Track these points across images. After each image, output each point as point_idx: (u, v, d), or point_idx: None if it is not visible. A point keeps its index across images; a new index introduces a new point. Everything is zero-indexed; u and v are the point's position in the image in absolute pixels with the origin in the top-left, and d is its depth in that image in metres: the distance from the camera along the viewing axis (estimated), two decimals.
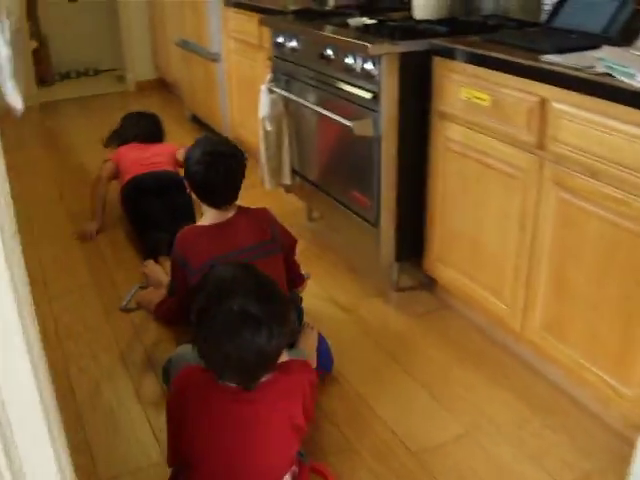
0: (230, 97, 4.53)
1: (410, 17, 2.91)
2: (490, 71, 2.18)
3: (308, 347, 2.16)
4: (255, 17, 3.77)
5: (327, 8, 3.45)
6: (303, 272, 2.54)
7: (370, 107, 2.57)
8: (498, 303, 2.38)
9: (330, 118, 2.74)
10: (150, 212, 3.14)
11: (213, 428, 1.47)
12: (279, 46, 3.26)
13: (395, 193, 2.67)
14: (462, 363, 2.44)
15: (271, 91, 3.20)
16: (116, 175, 3.52)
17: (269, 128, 3.25)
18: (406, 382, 2.35)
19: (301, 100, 2.99)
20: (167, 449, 1.61)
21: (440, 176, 2.56)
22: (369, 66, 2.53)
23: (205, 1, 4.47)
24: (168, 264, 2.43)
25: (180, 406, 1.52)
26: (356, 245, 2.98)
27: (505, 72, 2.12)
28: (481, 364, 2.43)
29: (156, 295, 2.59)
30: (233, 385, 1.48)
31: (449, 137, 2.46)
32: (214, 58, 4.55)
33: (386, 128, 2.55)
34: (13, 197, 0.98)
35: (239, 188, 2.18)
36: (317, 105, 2.90)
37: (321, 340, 2.27)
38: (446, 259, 2.63)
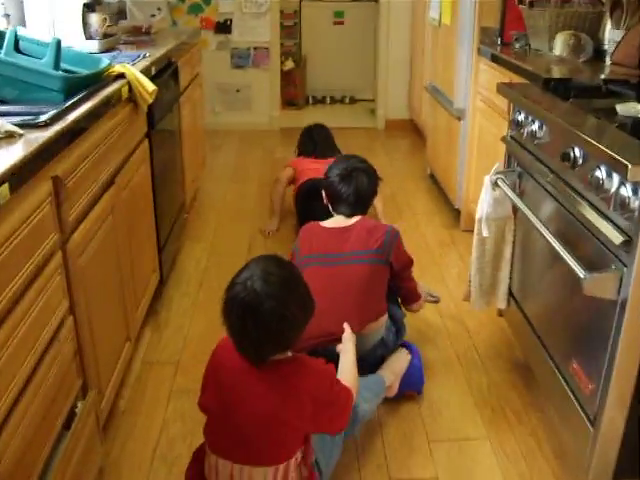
0: (469, 165, 3.75)
1: None
2: None
3: (395, 369, 2.26)
4: (507, 76, 2.95)
5: (596, 81, 2.52)
6: (427, 292, 2.67)
7: (617, 255, 1.68)
8: None
9: (559, 253, 1.87)
10: (317, 213, 2.87)
11: (222, 390, 1.63)
12: (518, 125, 2.44)
13: (633, 386, 1.73)
14: None
15: (496, 185, 2.37)
16: (293, 180, 3.84)
17: (486, 234, 2.44)
18: None
19: (527, 212, 2.14)
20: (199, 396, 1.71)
21: None
22: (627, 192, 1.64)
23: (456, 45, 3.70)
24: None
25: (210, 364, 1.70)
26: (564, 428, 2.05)
27: None
28: None
29: None
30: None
31: None
32: (458, 115, 3.79)
33: (636, 293, 1.62)
34: None
35: (368, 204, 2.42)
36: (547, 224, 2.06)
37: (415, 360, 2.35)
38: None
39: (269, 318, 1.50)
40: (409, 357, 2.34)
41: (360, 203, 2.36)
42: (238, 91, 5.97)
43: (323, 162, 3.38)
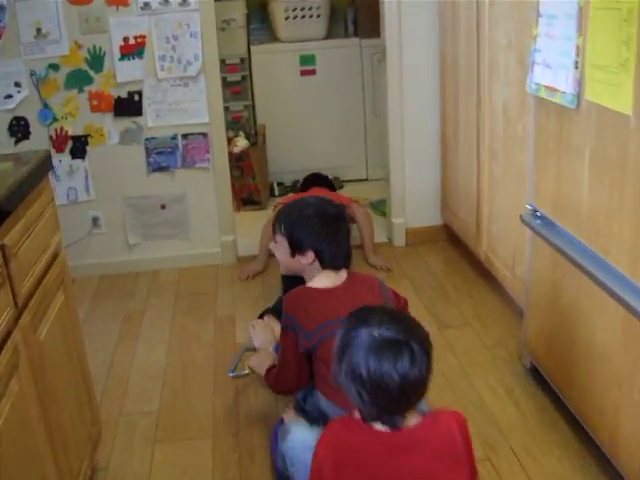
0: None
1: None
2: None
3: None
4: None
5: None
6: None
7: None
8: None
9: None
10: None
11: None
12: None
13: None
14: None
15: None
16: None
17: None
18: None
19: None
20: None
21: None
22: None
23: None
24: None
25: (334, 467, 1.52)
26: None
27: None
28: None
29: (269, 359, 2.40)
30: (381, 428, 1.49)
31: None
32: None
33: None
34: None
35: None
36: None
37: None
38: None
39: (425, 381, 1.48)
40: None
41: (349, 256, 2.18)
42: (163, 207, 3.68)
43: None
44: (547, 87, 2.21)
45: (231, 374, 2.63)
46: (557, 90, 2.15)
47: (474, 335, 3.00)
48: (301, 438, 1.91)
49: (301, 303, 2.10)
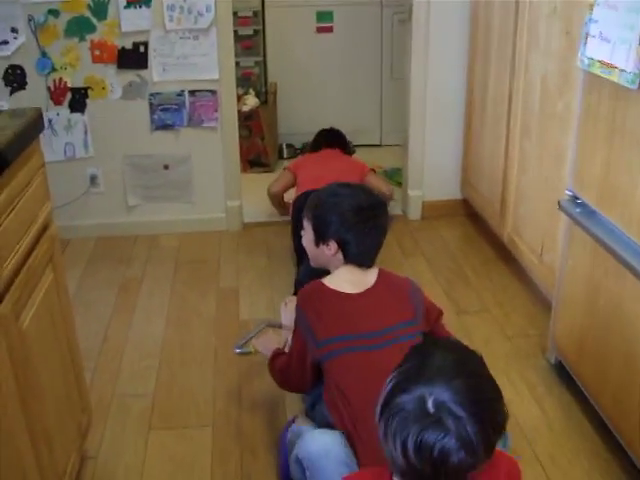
0: None
1: None
2: None
3: None
4: None
5: None
6: None
7: None
8: None
9: None
10: None
11: None
12: None
13: None
14: None
15: None
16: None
17: None
18: None
19: None
20: None
21: None
22: None
23: None
24: None
25: None
26: None
27: None
28: None
29: (275, 340, 2.22)
30: None
31: None
32: None
33: None
34: None
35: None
36: None
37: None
38: None
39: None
40: None
41: (379, 249, 1.93)
42: (167, 168, 3.44)
43: (326, 167, 3.26)
44: (603, 63, 1.97)
45: (237, 350, 2.45)
46: (615, 67, 1.90)
47: (494, 323, 2.80)
48: (319, 444, 1.71)
49: (314, 302, 1.89)
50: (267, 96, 4.45)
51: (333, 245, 1.90)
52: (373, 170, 3.51)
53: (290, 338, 2.03)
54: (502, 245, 3.24)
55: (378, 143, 4.83)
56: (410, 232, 3.61)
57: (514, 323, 2.79)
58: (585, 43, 2.05)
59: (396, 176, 4.13)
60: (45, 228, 1.77)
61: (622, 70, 1.87)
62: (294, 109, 4.65)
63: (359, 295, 1.87)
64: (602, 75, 1.98)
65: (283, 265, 3.25)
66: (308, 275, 2.75)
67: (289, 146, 4.72)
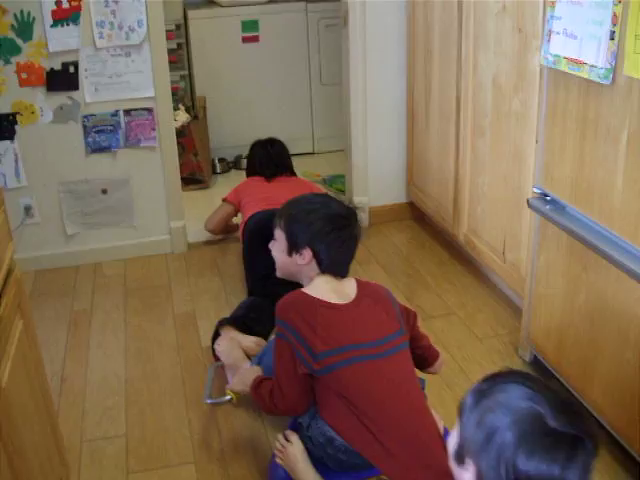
0: None
1: None
2: None
3: None
4: None
5: None
6: None
7: None
8: None
9: None
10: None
11: None
12: None
13: None
14: None
15: None
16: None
17: None
18: None
19: None
20: None
21: None
22: None
23: None
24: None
25: None
26: None
27: None
28: None
29: (250, 373, 2.08)
30: None
31: None
32: None
33: None
34: None
35: None
36: None
37: None
38: None
39: None
40: None
41: (352, 260, 1.91)
42: (105, 192, 3.27)
43: (274, 187, 3.23)
44: (570, 59, 1.95)
45: (208, 401, 2.30)
46: (584, 63, 1.89)
47: (461, 325, 2.77)
48: None
49: (302, 313, 1.79)
50: (197, 111, 4.31)
51: (307, 254, 1.84)
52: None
53: (274, 365, 1.92)
54: (456, 246, 3.22)
55: (311, 151, 4.75)
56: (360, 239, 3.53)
57: (482, 323, 2.77)
58: (548, 40, 2.04)
59: (336, 183, 4.07)
60: (10, 272, 1.61)
61: (592, 66, 1.86)
62: (224, 122, 4.52)
63: (348, 305, 1.82)
64: (570, 72, 1.96)
65: (237, 284, 3.13)
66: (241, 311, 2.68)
67: (221, 160, 4.59)
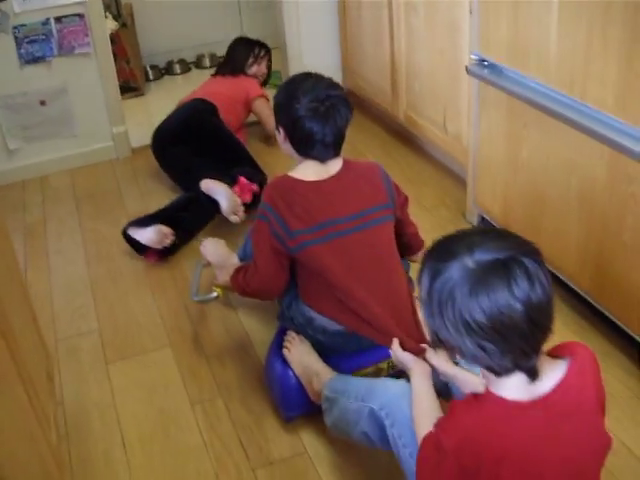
0: None
1: None
2: None
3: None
4: None
5: None
6: None
7: None
8: None
9: None
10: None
11: None
12: None
13: None
14: None
15: None
16: None
17: None
18: None
19: None
20: None
21: None
22: None
23: None
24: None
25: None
26: None
27: None
28: None
29: (233, 265, 2.07)
30: (521, 391, 1.11)
31: None
32: None
33: None
34: None
35: (344, 141, 1.84)
36: None
37: None
38: None
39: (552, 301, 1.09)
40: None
41: (339, 143, 1.80)
42: (43, 104, 3.20)
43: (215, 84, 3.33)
44: None
45: (195, 298, 2.27)
46: None
47: (410, 199, 2.85)
48: (395, 388, 1.57)
49: (283, 194, 1.78)
50: (125, 18, 4.18)
51: (282, 130, 1.82)
52: (265, 97, 3.36)
53: (250, 246, 1.95)
54: (397, 127, 3.28)
55: None
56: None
57: (429, 196, 2.86)
58: None
59: (274, 79, 4.04)
60: None
61: None
62: (153, 29, 4.41)
63: (327, 180, 1.79)
64: None
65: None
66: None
67: (153, 67, 4.50)
